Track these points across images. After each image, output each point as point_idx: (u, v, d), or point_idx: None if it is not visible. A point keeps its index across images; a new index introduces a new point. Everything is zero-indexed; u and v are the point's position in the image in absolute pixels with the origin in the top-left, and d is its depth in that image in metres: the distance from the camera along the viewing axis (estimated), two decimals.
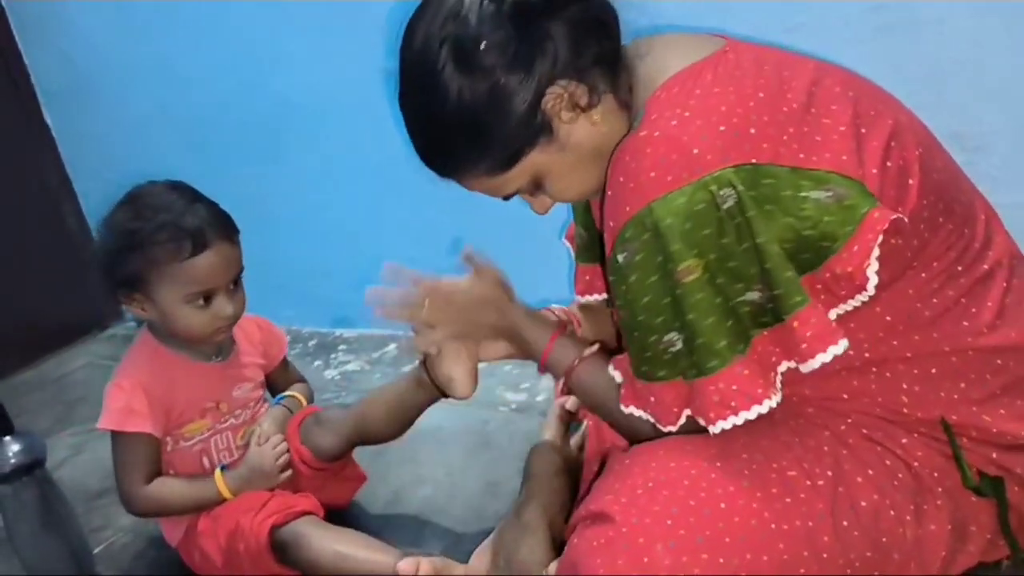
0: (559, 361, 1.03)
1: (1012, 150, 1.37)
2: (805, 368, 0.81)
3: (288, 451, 1.29)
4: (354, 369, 2.00)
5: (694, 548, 0.77)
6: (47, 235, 2.43)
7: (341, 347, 2.12)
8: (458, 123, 0.86)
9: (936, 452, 0.87)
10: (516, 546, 1.06)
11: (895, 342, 0.86)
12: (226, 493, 1.25)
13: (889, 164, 0.83)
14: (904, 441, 0.87)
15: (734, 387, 0.82)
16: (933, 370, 0.87)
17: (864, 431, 0.88)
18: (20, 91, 2.36)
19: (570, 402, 1.29)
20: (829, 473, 0.84)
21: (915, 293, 0.85)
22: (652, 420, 0.89)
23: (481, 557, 1.12)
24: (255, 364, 1.38)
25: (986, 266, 0.88)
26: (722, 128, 0.79)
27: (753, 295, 0.81)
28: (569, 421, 1.30)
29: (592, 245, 1.16)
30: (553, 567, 1.00)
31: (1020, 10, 1.29)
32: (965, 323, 0.86)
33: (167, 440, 1.28)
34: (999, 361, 0.87)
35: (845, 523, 0.82)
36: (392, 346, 2.06)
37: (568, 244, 1.27)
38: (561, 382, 1.06)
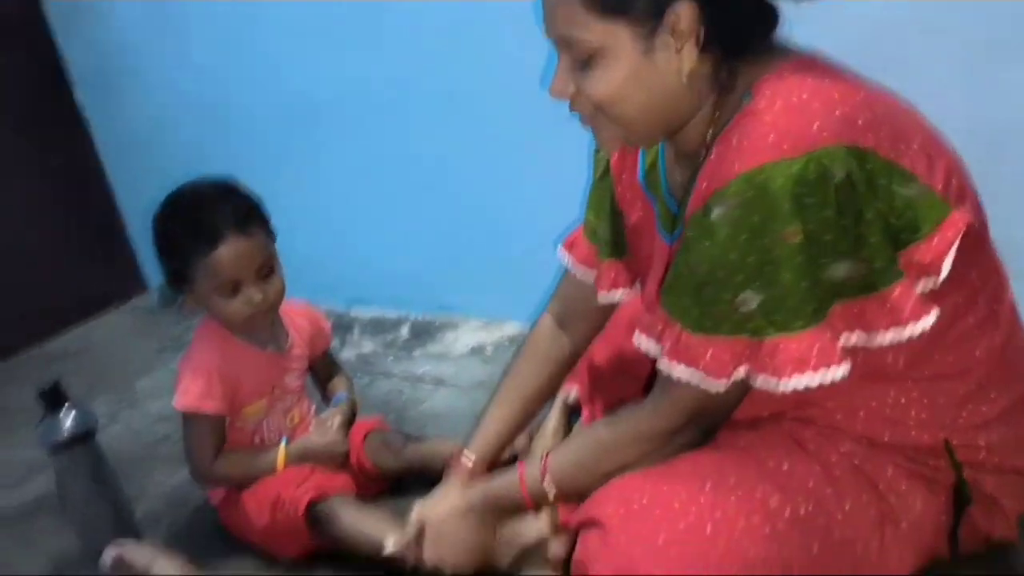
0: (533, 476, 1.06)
1: None
2: (900, 335, 0.85)
3: (347, 451, 1.40)
4: (369, 351, 2.06)
5: (681, 563, 0.86)
6: (72, 210, 2.50)
7: (356, 327, 2.18)
8: None
9: (917, 481, 0.94)
10: None
11: (921, 356, 0.91)
12: (281, 465, 1.35)
13: (953, 182, 0.88)
14: (889, 473, 0.94)
15: (816, 347, 0.84)
16: (941, 400, 0.93)
17: (856, 462, 0.94)
18: (54, 76, 2.43)
19: (571, 396, 1.39)
20: (810, 507, 0.90)
21: (952, 310, 0.90)
22: (700, 377, 0.88)
23: None
24: (303, 355, 1.47)
25: (995, 305, 0.94)
26: (837, 112, 0.83)
27: (839, 270, 0.84)
28: (570, 414, 1.40)
29: (616, 239, 1.16)
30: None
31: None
32: (977, 353, 0.93)
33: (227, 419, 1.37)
34: (992, 395, 0.94)
35: (816, 550, 0.90)
36: (405, 328, 2.13)
37: (567, 253, 1.22)
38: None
